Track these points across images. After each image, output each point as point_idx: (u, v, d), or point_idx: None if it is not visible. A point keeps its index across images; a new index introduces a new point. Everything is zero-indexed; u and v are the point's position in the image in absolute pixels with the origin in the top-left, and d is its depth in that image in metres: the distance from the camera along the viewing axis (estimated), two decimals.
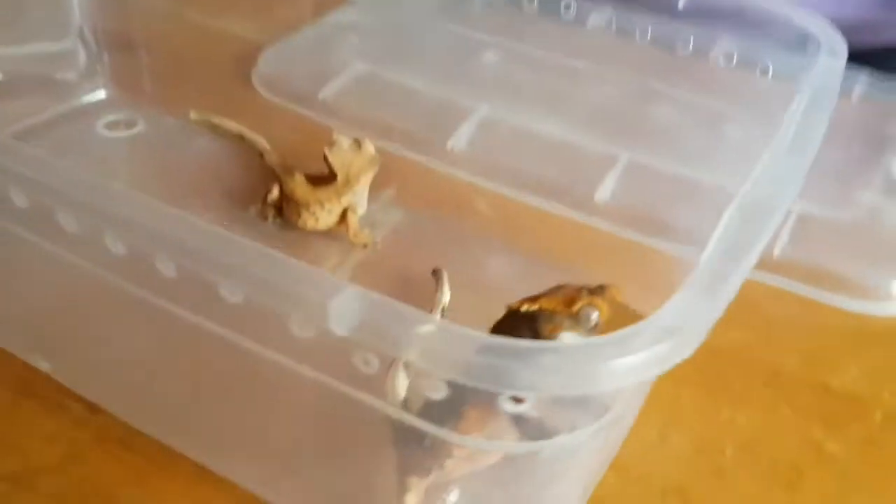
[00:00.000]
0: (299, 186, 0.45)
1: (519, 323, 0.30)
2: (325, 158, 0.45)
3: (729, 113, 0.51)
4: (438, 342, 0.23)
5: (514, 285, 0.34)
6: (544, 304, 0.30)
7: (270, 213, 0.46)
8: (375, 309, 0.24)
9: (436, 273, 0.42)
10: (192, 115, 0.52)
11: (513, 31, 0.59)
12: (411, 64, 0.58)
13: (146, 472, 0.36)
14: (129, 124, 0.54)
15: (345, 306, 0.24)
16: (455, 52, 0.60)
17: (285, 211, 0.46)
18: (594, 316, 0.29)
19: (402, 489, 0.31)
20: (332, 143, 0.45)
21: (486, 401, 0.25)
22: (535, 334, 0.30)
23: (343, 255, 0.45)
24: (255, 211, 0.46)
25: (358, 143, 0.46)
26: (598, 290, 0.30)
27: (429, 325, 0.24)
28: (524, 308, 0.30)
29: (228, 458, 0.35)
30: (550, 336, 0.30)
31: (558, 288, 0.31)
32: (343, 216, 0.45)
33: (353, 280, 0.42)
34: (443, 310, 0.40)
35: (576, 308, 0.29)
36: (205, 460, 0.36)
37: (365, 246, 0.45)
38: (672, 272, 0.28)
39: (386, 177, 0.47)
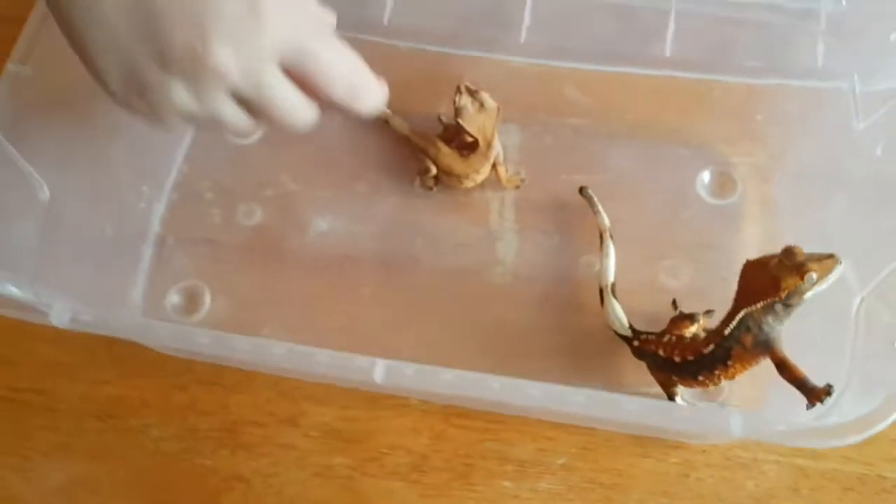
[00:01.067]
0: (448, 158, 0.55)
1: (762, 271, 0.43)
2: (463, 129, 0.54)
3: None
4: None
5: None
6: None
7: (432, 184, 0.56)
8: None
9: (583, 192, 0.53)
10: None
11: None
12: None
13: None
14: None
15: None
16: None
17: (443, 179, 0.56)
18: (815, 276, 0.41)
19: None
20: (459, 109, 0.54)
21: None
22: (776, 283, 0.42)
23: (501, 199, 0.56)
24: (419, 184, 0.57)
25: (480, 102, 0.55)
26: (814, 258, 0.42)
27: None
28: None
29: None
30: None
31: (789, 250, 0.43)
32: (493, 167, 0.55)
33: (525, 219, 0.54)
34: (609, 233, 0.51)
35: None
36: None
37: (517, 187, 0.56)
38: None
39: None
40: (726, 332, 0.44)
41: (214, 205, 0.57)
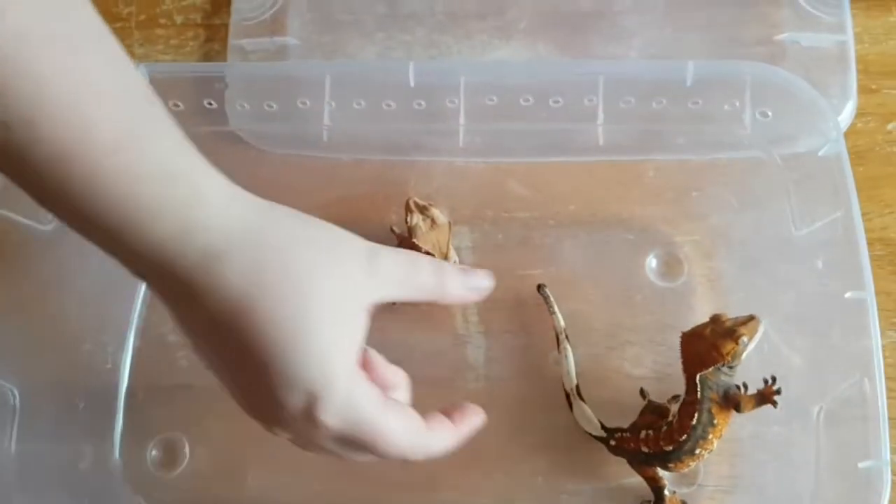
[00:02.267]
0: None
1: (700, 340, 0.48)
2: (417, 248, 0.55)
3: None
4: None
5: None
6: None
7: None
8: None
9: (540, 290, 0.55)
10: None
11: None
12: None
13: None
14: None
15: None
16: None
17: None
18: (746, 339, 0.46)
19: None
20: (411, 229, 0.55)
21: None
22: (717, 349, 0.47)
23: (464, 305, 0.57)
24: None
25: (431, 218, 0.56)
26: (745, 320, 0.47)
27: None
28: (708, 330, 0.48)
29: None
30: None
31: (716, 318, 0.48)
32: None
33: (490, 321, 0.55)
34: (565, 333, 0.53)
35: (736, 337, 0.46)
36: None
37: None
38: None
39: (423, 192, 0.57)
40: (699, 395, 0.47)
41: (180, 347, 0.56)
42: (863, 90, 0.61)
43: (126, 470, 0.53)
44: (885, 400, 0.41)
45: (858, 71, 0.61)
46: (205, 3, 0.66)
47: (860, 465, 0.40)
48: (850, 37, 0.61)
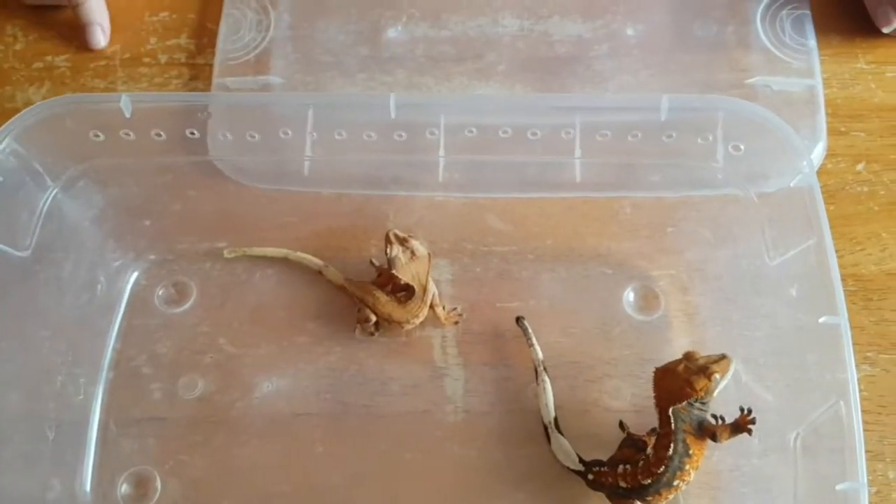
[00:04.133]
0: (387, 306, 0.56)
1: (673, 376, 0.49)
2: (397, 279, 0.55)
3: None
4: None
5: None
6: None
7: (373, 330, 0.57)
8: None
9: (519, 322, 0.55)
10: (226, 253, 0.60)
11: None
12: None
13: None
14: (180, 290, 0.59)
15: None
16: None
17: (383, 325, 0.57)
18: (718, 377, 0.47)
19: None
20: (391, 260, 0.56)
21: None
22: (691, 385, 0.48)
23: (442, 335, 0.57)
24: (360, 332, 0.57)
25: (411, 250, 0.56)
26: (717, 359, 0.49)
27: None
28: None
29: None
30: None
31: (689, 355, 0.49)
32: (430, 308, 0.57)
33: (469, 353, 0.55)
34: (543, 365, 0.53)
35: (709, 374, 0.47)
36: None
37: (456, 323, 0.57)
38: None
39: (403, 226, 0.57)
40: (673, 427, 0.48)
41: (154, 380, 0.56)
42: (832, 132, 0.62)
43: (95, 503, 0.51)
44: (860, 422, 0.41)
45: (828, 114, 0.63)
46: (189, 43, 0.67)
47: (837, 487, 0.40)
48: (818, 81, 0.63)
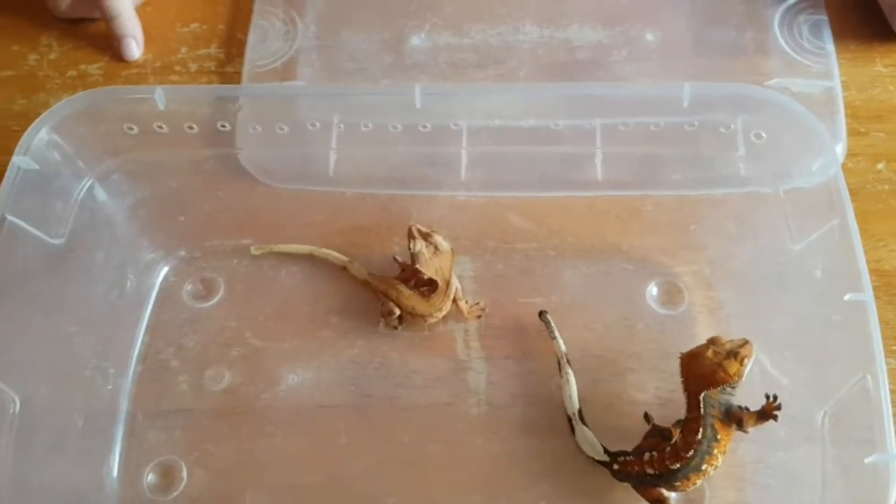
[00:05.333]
0: (411, 300, 0.56)
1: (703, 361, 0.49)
2: (420, 274, 0.56)
3: None
4: None
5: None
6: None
7: (396, 324, 0.58)
8: None
9: (542, 316, 0.56)
10: (253, 250, 0.61)
11: None
12: None
13: None
14: (208, 286, 0.61)
15: None
16: None
17: (407, 319, 0.57)
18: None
19: None
20: (415, 255, 0.56)
21: None
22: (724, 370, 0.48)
23: (465, 330, 0.58)
24: (383, 326, 0.58)
25: (434, 244, 0.57)
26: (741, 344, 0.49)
27: None
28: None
29: None
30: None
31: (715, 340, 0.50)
32: (453, 302, 0.57)
33: (492, 347, 0.56)
34: (567, 358, 0.53)
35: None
36: None
37: (479, 317, 0.58)
38: None
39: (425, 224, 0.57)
40: (702, 412, 0.48)
41: (181, 372, 0.56)
42: (852, 133, 0.63)
43: (122, 491, 0.52)
44: (888, 394, 0.41)
45: (847, 116, 0.63)
46: (218, 52, 0.69)
47: (867, 460, 0.40)
48: (837, 83, 0.64)
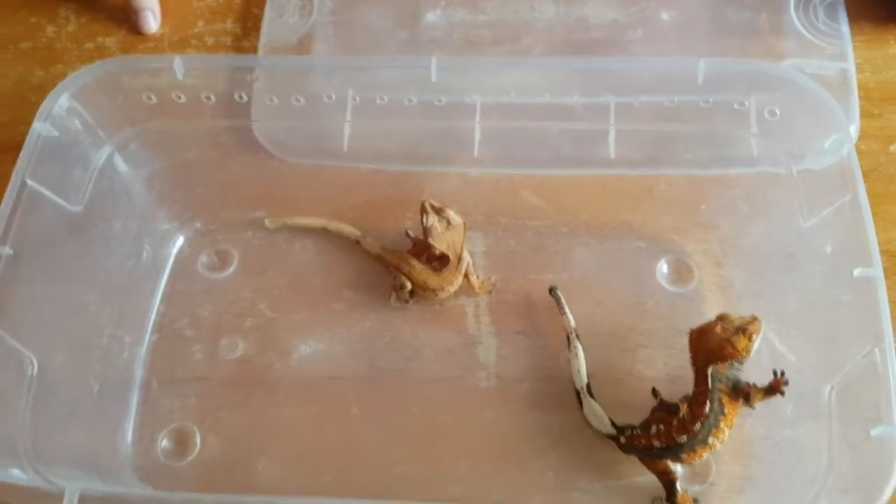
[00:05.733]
0: (422, 274, 0.57)
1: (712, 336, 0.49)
2: (432, 249, 0.56)
3: None
4: None
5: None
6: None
7: (408, 297, 0.58)
8: None
9: (552, 292, 0.56)
10: (268, 223, 0.62)
11: None
12: None
13: None
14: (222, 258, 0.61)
15: None
16: None
17: (418, 293, 0.58)
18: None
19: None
20: (427, 229, 0.57)
21: None
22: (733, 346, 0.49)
23: (476, 304, 0.58)
24: (395, 299, 0.58)
25: (446, 219, 0.57)
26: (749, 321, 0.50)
27: None
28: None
29: None
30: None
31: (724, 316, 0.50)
32: (465, 277, 0.58)
33: (502, 322, 0.56)
34: (576, 333, 0.54)
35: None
36: None
37: (490, 292, 0.58)
38: None
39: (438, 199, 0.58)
40: (710, 387, 0.48)
41: (196, 341, 0.57)
42: (865, 114, 0.63)
43: (136, 456, 0.53)
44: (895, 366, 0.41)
45: (860, 97, 0.63)
46: (235, 27, 0.70)
47: (872, 432, 0.40)
48: (851, 65, 0.64)
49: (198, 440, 0.54)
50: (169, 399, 0.55)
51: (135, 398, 0.55)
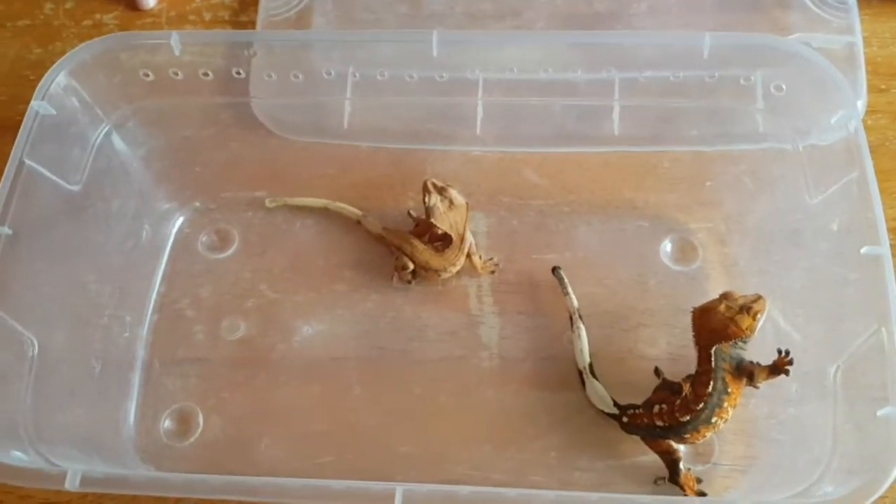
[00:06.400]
0: (424, 254, 0.57)
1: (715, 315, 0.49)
2: (434, 229, 0.56)
3: None
4: None
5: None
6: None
7: (410, 278, 0.58)
8: None
9: (555, 272, 0.56)
10: (268, 202, 0.61)
11: None
12: None
13: None
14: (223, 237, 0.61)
15: None
16: None
17: (420, 273, 0.57)
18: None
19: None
20: (430, 209, 0.56)
21: None
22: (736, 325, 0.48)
23: (478, 285, 0.58)
24: (397, 280, 0.58)
25: (449, 199, 0.57)
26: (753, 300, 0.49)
27: None
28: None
29: None
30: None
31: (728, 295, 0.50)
32: (467, 257, 0.57)
33: (504, 302, 0.56)
34: (578, 313, 0.53)
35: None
36: None
37: (492, 272, 0.58)
38: None
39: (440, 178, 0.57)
40: (713, 366, 0.48)
41: (197, 322, 0.57)
42: (872, 89, 0.62)
43: (139, 437, 0.53)
44: None
45: (868, 72, 0.62)
46: (233, 1, 0.69)
47: (879, 412, 0.40)
48: (859, 38, 0.63)
49: (200, 420, 0.53)
50: (171, 379, 0.55)
51: (136, 379, 0.55)
